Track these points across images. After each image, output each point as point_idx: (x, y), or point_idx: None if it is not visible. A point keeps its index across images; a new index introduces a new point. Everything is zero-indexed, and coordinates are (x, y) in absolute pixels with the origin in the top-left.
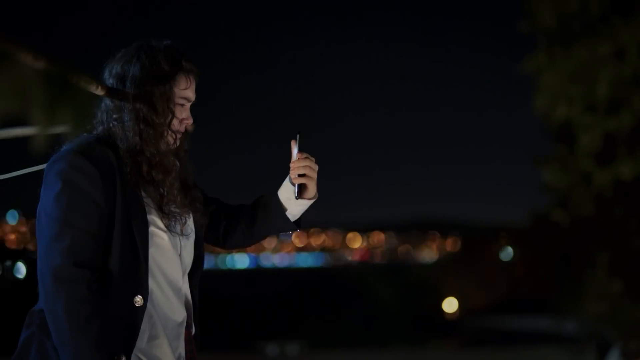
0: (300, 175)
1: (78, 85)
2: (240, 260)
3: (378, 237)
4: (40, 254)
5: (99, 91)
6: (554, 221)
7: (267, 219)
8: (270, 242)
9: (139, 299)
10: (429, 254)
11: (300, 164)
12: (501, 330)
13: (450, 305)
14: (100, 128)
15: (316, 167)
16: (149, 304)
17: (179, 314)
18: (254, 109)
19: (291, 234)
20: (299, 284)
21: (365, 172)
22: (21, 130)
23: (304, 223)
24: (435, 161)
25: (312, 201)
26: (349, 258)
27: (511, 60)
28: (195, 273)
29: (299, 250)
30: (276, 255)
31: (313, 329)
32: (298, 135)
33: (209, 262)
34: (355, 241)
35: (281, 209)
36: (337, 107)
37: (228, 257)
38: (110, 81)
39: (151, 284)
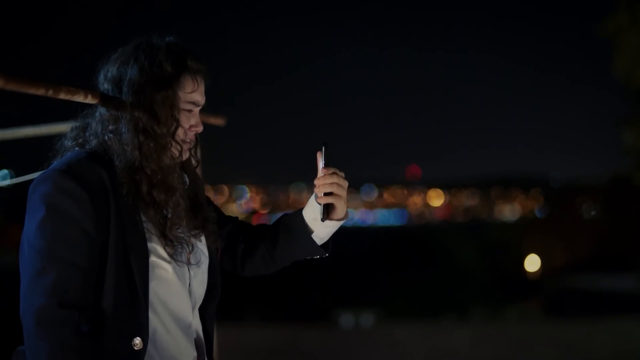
0: (327, 194)
1: None
2: None
3: (460, 194)
4: (22, 291)
5: (90, 100)
6: (635, 184)
7: (291, 242)
8: (353, 201)
9: (138, 342)
10: (511, 211)
11: (326, 180)
12: (583, 290)
13: (532, 263)
14: (94, 142)
15: (345, 184)
16: (150, 347)
17: (188, 355)
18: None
19: (319, 258)
20: (378, 245)
21: (448, 129)
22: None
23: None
24: (517, 120)
25: (341, 222)
26: (431, 216)
27: (591, 20)
28: (210, 304)
29: (383, 206)
30: (359, 212)
31: (391, 293)
32: (324, 147)
33: None
34: (438, 198)
35: (306, 231)
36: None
37: None
38: (105, 86)
39: (153, 322)
